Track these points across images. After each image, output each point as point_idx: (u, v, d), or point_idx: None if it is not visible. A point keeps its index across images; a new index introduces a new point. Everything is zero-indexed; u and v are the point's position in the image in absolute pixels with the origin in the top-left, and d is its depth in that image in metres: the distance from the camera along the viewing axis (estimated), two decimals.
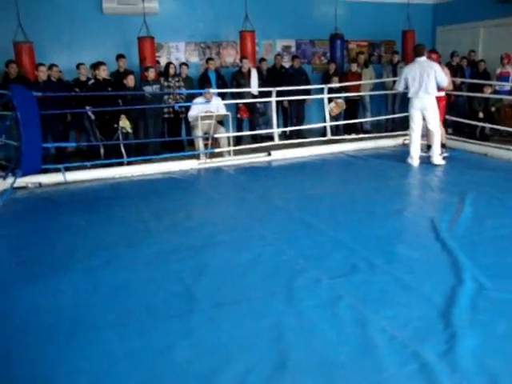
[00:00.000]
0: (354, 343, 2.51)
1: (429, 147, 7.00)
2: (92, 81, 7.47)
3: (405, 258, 3.62)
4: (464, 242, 3.84)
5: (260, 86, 8.79)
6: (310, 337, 2.60)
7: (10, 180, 5.85)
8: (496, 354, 2.40)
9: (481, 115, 8.77)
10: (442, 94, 7.07)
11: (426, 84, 6.51)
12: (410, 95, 6.77)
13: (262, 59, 9.56)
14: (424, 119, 6.79)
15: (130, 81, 7.65)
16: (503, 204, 4.87)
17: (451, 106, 8.68)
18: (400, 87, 6.93)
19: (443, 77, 6.57)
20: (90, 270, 3.57)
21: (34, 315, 2.97)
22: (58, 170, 6.50)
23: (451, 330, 2.59)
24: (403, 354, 2.39)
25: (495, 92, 9.01)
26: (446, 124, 7.65)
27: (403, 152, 7.41)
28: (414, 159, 6.88)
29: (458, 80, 8.94)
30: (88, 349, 2.56)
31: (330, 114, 8.67)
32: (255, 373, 2.31)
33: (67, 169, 6.57)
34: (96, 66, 7.48)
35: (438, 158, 6.77)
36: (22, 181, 6.10)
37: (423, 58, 6.72)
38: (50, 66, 7.71)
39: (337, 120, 9.18)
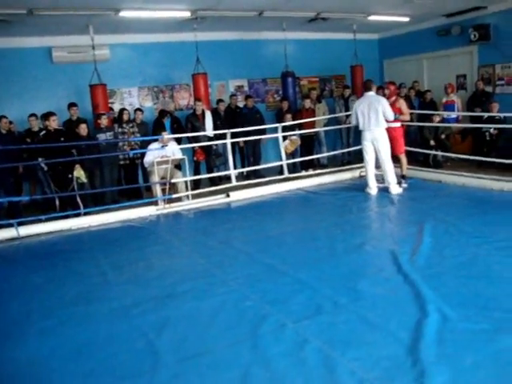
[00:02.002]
0: None
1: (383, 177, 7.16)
2: (43, 132, 7.33)
3: (368, 294, 3.61)
4: (426, 273, 3.88)
5: (218, 126, 8.84)
6: None
7: None
8: None
9: (432, 143, 9.03)
10: (398, 124, 7.27)
11: (375, 117, 6.76)
12: (360, 128, 7.02)
13: (220, 100, 9.66)
14: (375, 150, 6.97)
15: (83, 130, 7.57)
16: (461, 231, 4.96)
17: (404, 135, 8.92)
18: (353, 121, 7.19)
19: (389, 111, 6.82)
20: (47, 332, 3.41)
21: None
22: (11, 225, 6.29)
23: (420, 367, 2.58)
24: None
25: (443, 120, 9.33)
26: (407, 154, 7.84)
27: (360, 184, 7.53)
28: (372, 189, 7.11)
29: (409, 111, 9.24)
30: None
31: (285, 152, 8.77)
32: None
33: (21, 223, 6.36)
34: (46, 116, 7.36)
35: (395, 187, 6.94)
36: None
37: (371, 93, 7.00)
38: (0, 118, 7.56)
39: (293, 157, 9.28)
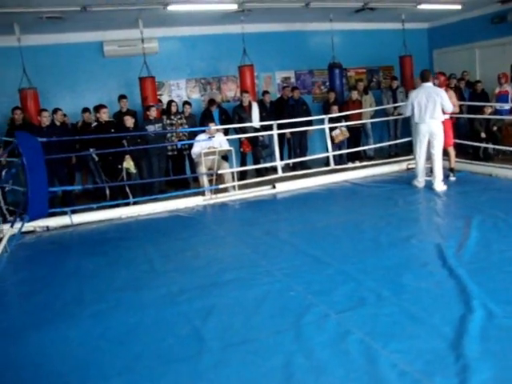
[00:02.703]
0: (365, 380, 2.49)
1: (432, 170, 6.99)
2: (95, 123, 7.59)
3: (412, 287, 3.59)
4: (471, 268, 3.82)
5: (264, 118, 8.90)
6: (320, 375, 2.58)
7: (18, 225, 5.90)
8: None
9: (483, 135, 8.79)
10: (447, 116, 7.09)
11: (432, 109, 6.55)
12: (415, 120, 6.79)
13: (266, 92, 9.70)
14: (428, 144, 6.80)
15: (127, 121, 7.76)
16: (510, 226, 4.83)
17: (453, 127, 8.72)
18: (407, 112, 6.96)
19: (448, 103, 6.61)
20: (98, 315, 3.58)
21: (44, 364, 2.98)
22: (64, 213, 6.57)
23: (463, 362, 2.56)
24: None
25: (495, 111, 9.05)
26: (456, 146, 7.65)
27: (407, 177, 7.43)
28: (421, 182, 6.95)
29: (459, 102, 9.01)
30: None
31: (333, 141, 8.75)
32: None
33: (74, 211, 6.63)
34: (97, 109, 7.63)
35: (440, 183, 6.71)
36: (29, 225, 6.16)
37: (429, 84, 6.77)
38: (55, 110, 7.88)
39: (340, 148, 9.23)
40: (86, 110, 8.34)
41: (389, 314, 3.19)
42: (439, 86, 7.14)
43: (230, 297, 3.71)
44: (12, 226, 5.81)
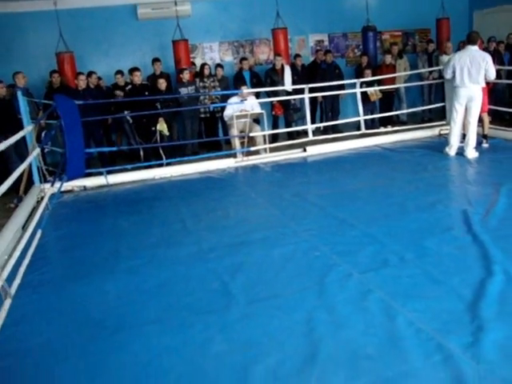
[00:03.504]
0: (382, 336, 2.62)
1: (464, 136, 6.89)
2: (129, 86, 7.74)
3: (435, 251, 3.67)
4: (496, 235, 3.85)
5: (295, 81, 8.88)
6: (340, 330, 2.72)
7: (57, 185, 6.17)
8: None
9: None
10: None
11: (476, 74, 6.36)
12: (456, 84, 6.58)
13: (297, 55, 9.64)
14: (465, 110, 6.65)
15: (161, 84, 7.87)
16: None
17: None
18: (448, 75, 6.72)
19: (493, 69, 6.41)
20: (132, 270, 3.80)
21: (81, 312, 3.21)
22: (100, 174, 6.81)
23: (478, 323, 2.66)
24: (429, 346, 2.48)
25: None
26: (492, 113, 7.47)
27: (439, 143, 7.38)
28: (453, 146, 6.81)
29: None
30: (131, 344, 2.76)
31: (369, 99, 8.87)
32: (287, 365, 2.45)
33: (109, 172, 6.87)
34: (131, 71, 7.78)
35: (472, 151, 6.62)
36: (68, 185, 6.44)
37: (475, 47, 6.52)
38: (89, 73, 8.06)
39: (372, 112, 9.17)
40: (118, 72, 8.47)
41: (410, 275, 3.29)
42: None
43: (258, 255, 3.87)
44: (52, 185, 6.09)
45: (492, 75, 6.45)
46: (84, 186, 6.67)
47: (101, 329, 2.96)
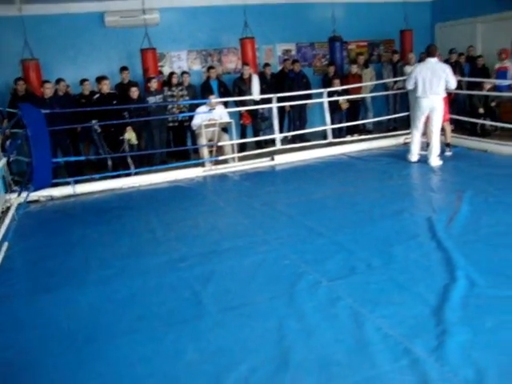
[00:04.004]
0: (351, 342, 2.70)
1: (428, 145, 7.10)
2: (97, 95, 7.69)
3: (401, 258, 3.78)
4: (459, 241, 4.00)
5: (264, 90, 8.98)
6: (310, 337, 2.79)
7: (23, 194, 6.07)
8: (483, 348, 2.56)
9: (481, 111, 8.87)
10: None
11: (437, 85, 6.60)
12: (418, 95, 6.80)
13: (267, 64, 9.75)
14: (427, 119, 6.90)
15: (133, 93, 7.84)
16: (500, 201, 5.00)
17: (451, 103, 8.79)
18: (410, 86, 6.95)
19: (453, 80, 6.66)
20: (103, 281, 3.79)
21: (53, 324, 3.19)
22: (68, 183, 6.74)
23: (442, 327, 2.76)
24: (396, 351, 2.57)
25: (495, 87, 9.11)
26: (455, 122, 7.72)
27: (404, 151, 7.56)
28: (414, 155, 7.08)
29: (458, 77, 9.05)
30: (104, 355, 2.77)
31: (340, 108, 9.11)
32: (259, 372, 2.50)
33: (76, 181, 6.80)
34: (99, 80, 7.72)
35: (435, 159, 6.84)
36: (34, 195, 6.33)
37: (435, 59, 6.79)
38: (58, 81, 7.99)
39: (341, 121, 9.33)
40: (84, 80, 8.40)
41: (377, 282, 3.39)
42: None
43: (228, 264, 3.91)
44: (19, 195, 5.99)
45: (453, 85, 6.70)
46: (51, 196, 6.59)
47: (73, 340, 2.96)
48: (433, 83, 6.62)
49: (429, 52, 6.89)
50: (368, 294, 3.22)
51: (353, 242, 4.17)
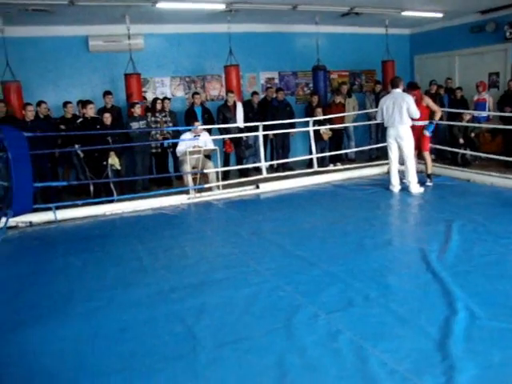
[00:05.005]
0: (357, 379, 2.59)
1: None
2: (80, 119, 7.55)
3: (398, 289, 3.72)
4: (454, 272, 3.96)
5: (250, 118, 8.97)
6: (313, 374, 2.67)
7: (2, 220, 5.85)
8: None
9: (461, 141, 9.01)
10: (423, 122, 7.27)
11: (399, 114, 6.77)
12: (385, 125, 7.07)
13: (255, 92, 9.79)
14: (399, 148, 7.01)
15: (106, 119, 7.66)
16: (489, 231, 5.01)
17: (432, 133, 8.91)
18: (378, 117, 7.23)
19: (414, 109, 6.78)
20: (89, 314, 3.59)
21: (33, 362, 2.98)
22: (47, 209, 6.53)
23: (449, 362, 2.68)
24: None
25: (474, 118, 9.29)
26: (431, 152, 7.85)
27: (388, 180, 7.57)
28: (395, 186, 7.15)
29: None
30: None
31: (322, 138, 9.12)
32: None
33: (57, 207, 6.59)
34: (84, 104, 7.59)
35: (415, 186, 6.93)
36: (12, 220, 6.10)
37: (398, 90, 6.98)
38: (39, 103, 7.83)
39: (323, 150, 9.36)
40: (67, 103, 8.26)
41: (377, 314, 3.30)
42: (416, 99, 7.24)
43: (221, 296, 3.77)
44: None
45: (413, 114, 6.82)
46: (30, 222, 6.37)
47: (56, 381, 2.76)
48: (395, 113, 6.81)
49: (393, 83, 7.12)
50: (368, 327, 3.13)
51: (347, 272, 4.09)
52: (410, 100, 6.81)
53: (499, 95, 9.72)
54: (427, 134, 7.31)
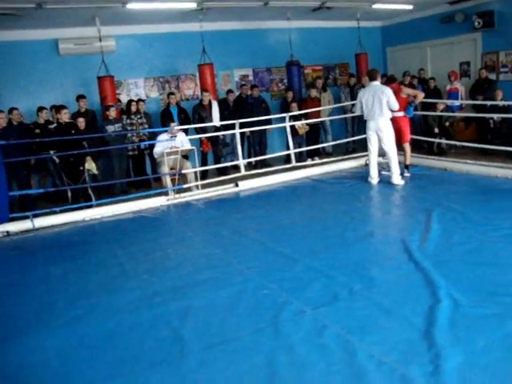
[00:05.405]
0: (346, 372, 2.60)
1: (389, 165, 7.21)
2: (54, 124, 7.43)
3: (382, 281, 3.75)
4: (436, 261, 4.01)
5: (226, 116, 8.93)
6: (302, 370, 2.67)
7: None
8: (479, 370, 2.53)
9: (436, 130, 9.12)
10: (401, 114, 7.32)
11: (379, 107, 6.80)
12: (365, 117, 7.10)
13: (230, 91, 9.74)
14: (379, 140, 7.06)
15: (80, 123, 7.55)
16: (467, 219, 5.07)
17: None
18: (357, 110, 7.27)
19: (394, 101, 6.83)
20: (73, 322, 3.54)
21: (21, 375, 2.93)
22: (24, 217, 6.41)
23: (435, 350, 2.71)
24: (393, 379, 2.50)
25: (447, 108, 9.41)
26: (412, 142, 7.91)
27: (366, 173, 7.62)
28: (374, 178, 7.20)
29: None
30: None
31: (298, 133, 9.09)
32: None
33: (35, 215, 6.48)
34: (58, 109, 7.47)
35: (397, 178, 6.98)
36: None
37: (376, 83, 7.02)
38: (10, 110, 7.67)
39: (300, 145, 9.38)
40: (42, 108, 8.13)
41: (362, 307, 3.32)
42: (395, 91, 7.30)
43: (205, 297, 3.75)
44: None
45: (392, 106, 6.87)
46: (7, 232, 6.24)
47: None
48: (375, 106, 6.83)
49: (370, 76, 7.18)
50: (354, 321, 3.14)
51: (330, 267, 4.10)
52: (389, 92, 6.85)
53: (471, 84, 9.87)
54: (408, 115, 7.37)
